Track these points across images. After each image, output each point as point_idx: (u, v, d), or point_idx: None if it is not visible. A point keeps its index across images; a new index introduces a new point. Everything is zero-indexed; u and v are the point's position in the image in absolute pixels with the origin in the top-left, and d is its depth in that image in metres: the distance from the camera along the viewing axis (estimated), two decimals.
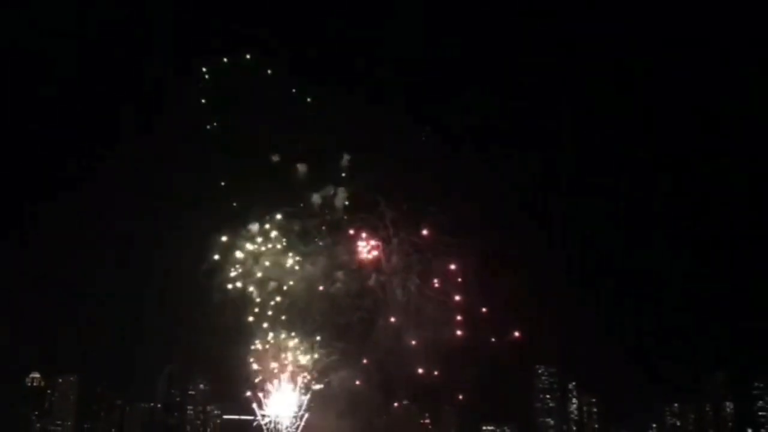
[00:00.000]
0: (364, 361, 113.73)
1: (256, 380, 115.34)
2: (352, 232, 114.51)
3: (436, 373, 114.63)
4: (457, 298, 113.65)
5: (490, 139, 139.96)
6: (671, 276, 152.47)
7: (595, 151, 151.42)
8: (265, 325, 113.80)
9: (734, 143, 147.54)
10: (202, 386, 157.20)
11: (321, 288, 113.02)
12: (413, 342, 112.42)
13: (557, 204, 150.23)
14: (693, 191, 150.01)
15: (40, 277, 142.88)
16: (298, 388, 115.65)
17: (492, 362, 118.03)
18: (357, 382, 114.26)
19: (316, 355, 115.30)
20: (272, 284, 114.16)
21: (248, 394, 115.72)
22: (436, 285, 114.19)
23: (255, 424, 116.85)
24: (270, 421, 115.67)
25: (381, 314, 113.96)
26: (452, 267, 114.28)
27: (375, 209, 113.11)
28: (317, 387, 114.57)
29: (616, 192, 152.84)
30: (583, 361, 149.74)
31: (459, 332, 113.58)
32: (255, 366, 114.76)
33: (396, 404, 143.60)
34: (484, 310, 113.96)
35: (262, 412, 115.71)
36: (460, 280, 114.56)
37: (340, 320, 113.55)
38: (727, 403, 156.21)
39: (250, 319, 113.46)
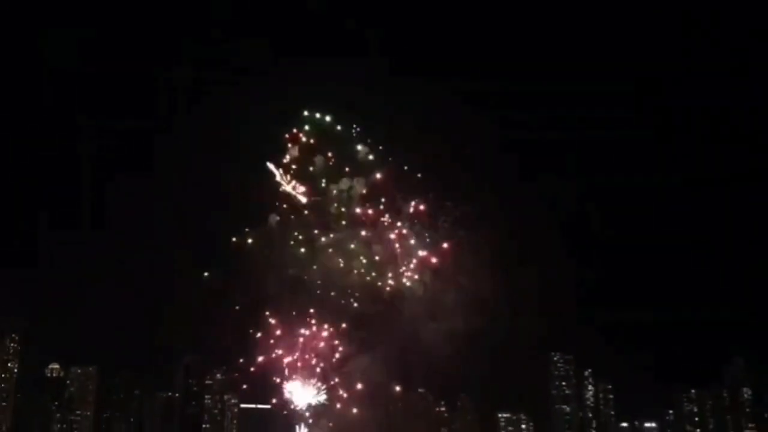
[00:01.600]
0: (382, 350, 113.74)
1: (275, 370, 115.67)
2: (368, 223, 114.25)
3: (452, 362, 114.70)
4: (473, 288, 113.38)
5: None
6: (688, 263, 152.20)
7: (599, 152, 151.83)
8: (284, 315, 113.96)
9: None
10: (219, 376, 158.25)
11: (338, 279, 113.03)
12: (429, 332, 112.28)
13: (568, 195, 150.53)
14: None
15: (59, 269, 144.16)
16: (316, 377, 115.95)
17: (507, 351, 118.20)
18: (375, 371, 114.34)
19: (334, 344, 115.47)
20: (290, 272, 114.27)
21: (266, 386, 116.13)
22: (452, 276, 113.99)
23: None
24: (289, 408, 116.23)
25: (398, 305, 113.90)
26: (467, 258, 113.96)
27: (392, 202, 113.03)
28: (336, 380, 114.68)
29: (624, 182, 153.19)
30: (599, 348, 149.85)
31: (474, 322, 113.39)
32: (272, 355, 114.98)
33: (413, 392, 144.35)
34: (499, 300, 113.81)
35: (281, 401, 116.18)
36: (475, 270, 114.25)
37: (357, 311, 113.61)
38: (745, 389, 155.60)
39: (268, 310, 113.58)
